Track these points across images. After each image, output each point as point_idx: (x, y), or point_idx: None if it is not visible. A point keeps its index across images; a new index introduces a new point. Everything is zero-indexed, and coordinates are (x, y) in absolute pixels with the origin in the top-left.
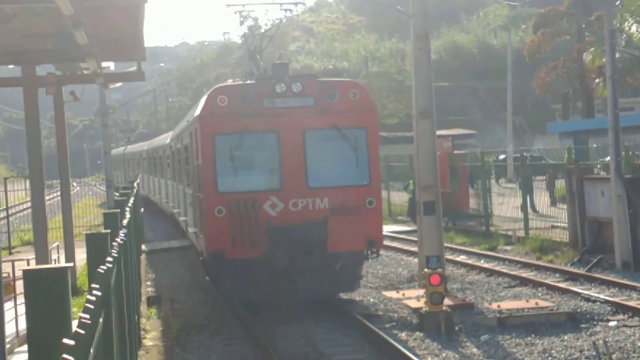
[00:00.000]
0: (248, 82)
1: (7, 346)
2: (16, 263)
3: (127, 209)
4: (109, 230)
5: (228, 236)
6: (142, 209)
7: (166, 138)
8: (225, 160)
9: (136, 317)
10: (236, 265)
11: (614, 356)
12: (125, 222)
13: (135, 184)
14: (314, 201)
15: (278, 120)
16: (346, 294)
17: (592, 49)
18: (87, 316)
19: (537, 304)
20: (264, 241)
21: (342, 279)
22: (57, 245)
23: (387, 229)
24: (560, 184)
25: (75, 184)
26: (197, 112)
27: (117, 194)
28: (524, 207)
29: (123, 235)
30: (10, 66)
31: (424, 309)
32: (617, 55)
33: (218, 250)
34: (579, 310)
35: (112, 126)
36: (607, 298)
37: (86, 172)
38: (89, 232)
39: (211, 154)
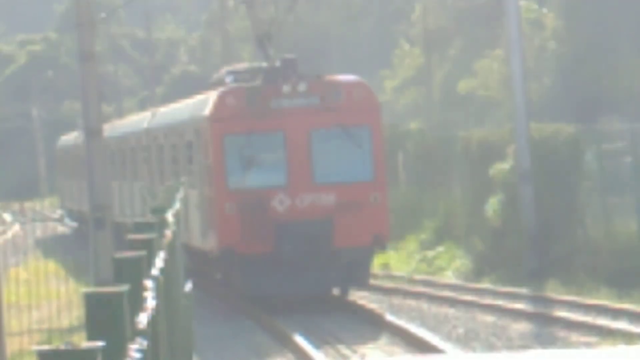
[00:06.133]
0: (255, 84)
1: None
2: None
3: (150, 286)
4: (100, 343)
5: (238, 232)
6: (190, 284)
7: (138, 122)
8: (235, 159)
9: None
10: (245, 261)
11: None
12: (143, 320)
13: (170, 217)
14: (320, 197)
15: (284, 119)
16: None
17: None
18: None
19: None
20: (272, 236)
21: (351, 274)
22: None
23: None
24: None
25: (8, 218)
26: (207, 112)
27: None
28: None
29: (139, 356)
30: None
31: None
32: None
33: (228, 245)
34: None
35: (105, 56)
36: None
37: (38, 187)
38: (47, 347)
39: (221, 154)
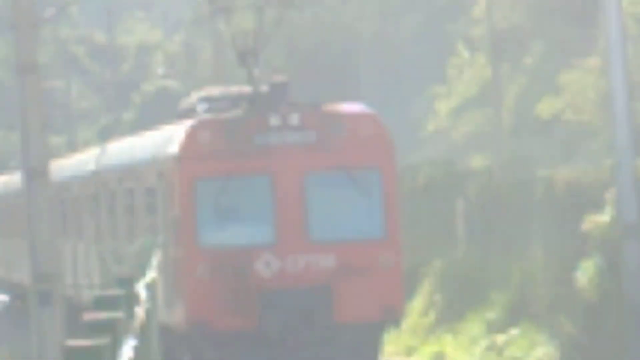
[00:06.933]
0: (235, 114)
1: None
2: None
3: None
4: None
5: (212, 302)
6: None
7: (82, 163)
8: (209, 209)
9: None
10: (222, 339)
11: None
12: None
13: (142, 289)
14: (317, 258)
15: (272, 160)
16: None
17: None
18: None
19: None
20: (255, 308)
21: (355, 357)
22: None
23: None
24: None
25: None
26: (174, 150)
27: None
28: None
29: None
30: None
31: None
32: None
33: (201, 319)
34: None
35: (53, 68)
36: None
37: None
38: None
39: (192, 203)
